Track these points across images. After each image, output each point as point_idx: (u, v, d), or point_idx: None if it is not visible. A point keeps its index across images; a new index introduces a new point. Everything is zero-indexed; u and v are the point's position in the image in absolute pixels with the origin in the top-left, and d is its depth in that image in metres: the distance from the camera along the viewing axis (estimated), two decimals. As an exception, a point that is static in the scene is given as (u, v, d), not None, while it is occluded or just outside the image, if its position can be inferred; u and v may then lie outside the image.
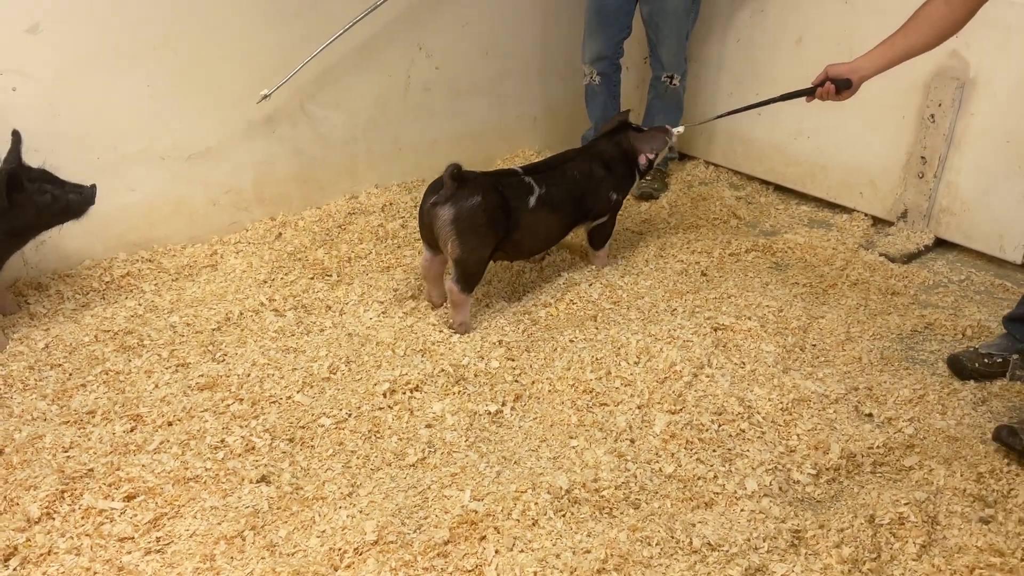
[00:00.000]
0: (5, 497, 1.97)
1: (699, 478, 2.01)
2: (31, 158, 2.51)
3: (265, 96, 3.03)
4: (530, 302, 2.80)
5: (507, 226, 2.59)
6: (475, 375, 2.42)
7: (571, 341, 2.56)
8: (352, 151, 3.48)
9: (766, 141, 3.65)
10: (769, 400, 2.24)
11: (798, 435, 2.15)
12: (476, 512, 1.92)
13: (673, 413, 2.22)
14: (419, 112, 3.61)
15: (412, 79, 3.54)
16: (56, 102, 2.73)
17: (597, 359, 2.46)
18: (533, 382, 2.39)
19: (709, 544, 1.81)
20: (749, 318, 2.62)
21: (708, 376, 2.34)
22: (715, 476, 2.02)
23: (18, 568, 1.80)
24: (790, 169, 3.61)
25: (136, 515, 1.93)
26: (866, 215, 3.35)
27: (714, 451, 2.10)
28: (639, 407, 2.25)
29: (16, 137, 2.46)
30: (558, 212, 2.71)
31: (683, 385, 2.31)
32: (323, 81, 3.29)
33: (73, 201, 2.52)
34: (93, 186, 2.54)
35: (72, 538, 1.87)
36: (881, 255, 3.07)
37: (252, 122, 3.16)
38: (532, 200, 2.63)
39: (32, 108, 2.69)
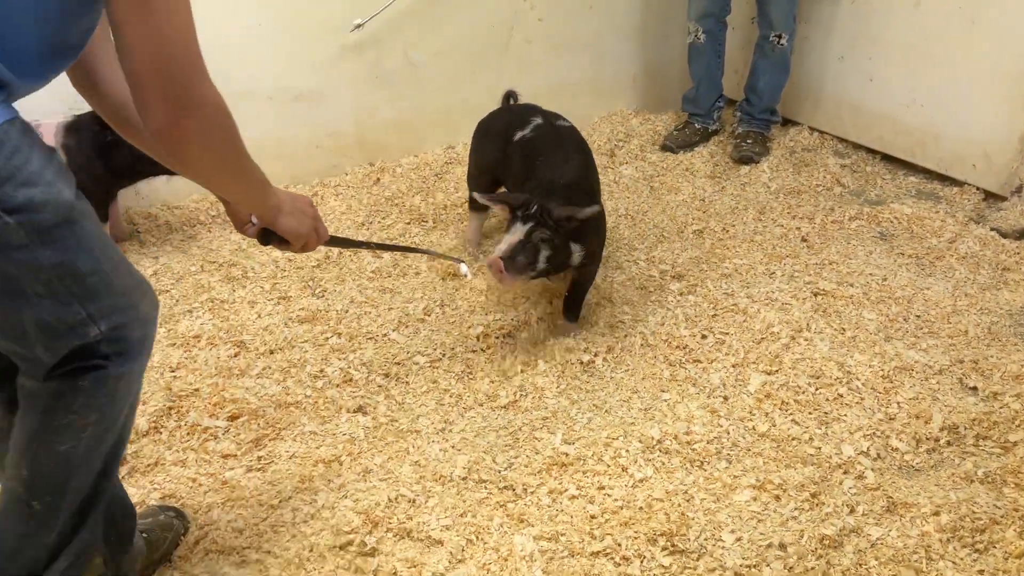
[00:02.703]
0: (117, 410, 2.06)
1: (794, 439, 1.99)
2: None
3: (358, 25, 3.06)
4: (623, 258, 2.78)
5: None
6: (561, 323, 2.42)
7: (666, 297, 2.54)
8: (451, 101, 3.50)
9: (876, 108, 3.53)
10: (870, 367, 2.19)
11: (898, 403, 2.10)
12: (567, 455, 1.94)
13: (769, 374, 2.18)
14: (519, 64, 3.60)
15: (515, 30, 3.53)
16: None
17: (691, 317, 2.44)
18: (626, 335, 2.39)
19: (805, 501, 1.79)
20: (851, 285, 2.56)
21: (806, 340, 2.30)
22: (810, 438, 1.99)
23: (126, 477, 1.89)
24: (899, 138, 3.49)
25: (239, 434, 2.00)
26: (978, 188, 3.22)
27: (810, 413, 2.06)
28: (734, 366, 2.22)
29: None
30: None
31: (780, 347, 2.27)
32: (427, 29, 3.30)
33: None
34: None
35: (178, 451, 1.95)
36: (992, 230, 2.95)
37: (357, 67, 3.20)
38: None
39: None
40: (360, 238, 2.84)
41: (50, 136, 2.46)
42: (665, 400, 2.11)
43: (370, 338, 2.36)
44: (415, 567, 1.67)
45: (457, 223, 3.00)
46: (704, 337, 2.34)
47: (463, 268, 2.23)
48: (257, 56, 2.99)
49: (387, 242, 2.64)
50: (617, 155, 3.54)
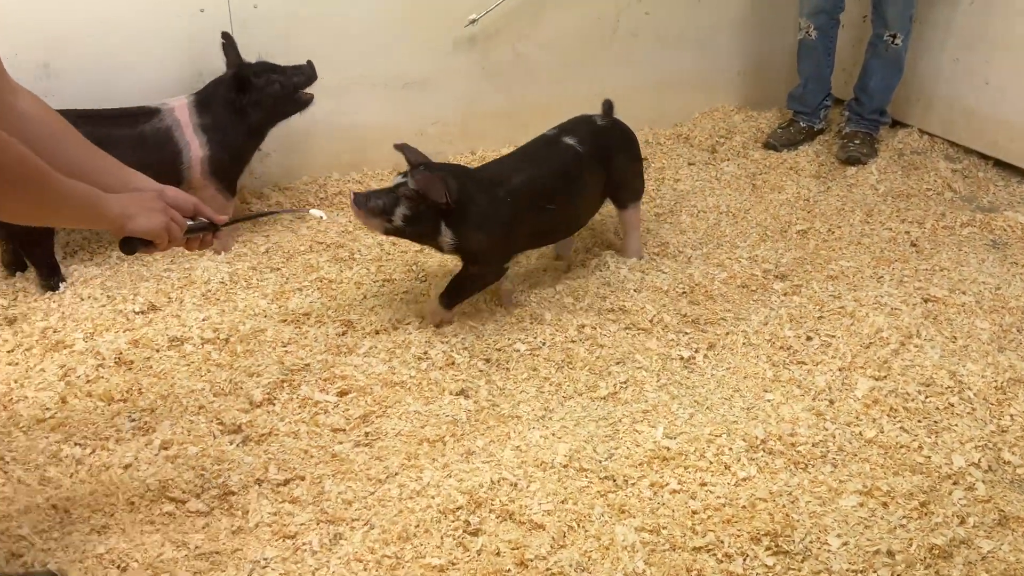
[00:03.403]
0: (231, 380, 2.15)
1: (902, 446, 1.95)
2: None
3: (473, 20, 3.10)
4: (724, 256, 2.76)
5: None
6: (667, 320, 2.42)
7: (769, 297, 2.52)
8: (554, 92, 3.51)
9: (991, 113, 3.42)
10: (982, 377, 2.13)
11: (1011, 415, 2.04)
12: (668, 449, 1.94)
13: (877, 379, 2.15)
14: (624, 58, 3.59)
15: (621, 23, 3.52)
16: (292, 23, 2.89)
17: (796, 318, 2.41)
18: (727, 333, 2.37)
19: (913, 510, 1.76)
20: (963, 293, 2.49)
21: (916, 346, 2.25)
22: (920, 446, 1.95)
23: (240, 444, 1.96)
24: (1015, 144, 3.36)
25: (348, 410, 2.06)
26: (1098, 200, 3.10)
27: (919, 422, 2.02)
28: (840, 369, 2.19)
29: (227, 39, 2.60)
30: None
31: (889, 352, 2.23)
32: (535, 20, 3.32)
33: (299, 82, 2.63)
34: (309, 62, 2.65)
35: (290, 423, 2.02)
36: (1114, 243, 2.84)
37: (466, 58, 3.25)
38: None
39: (270, 26, 2.86)
40: None
41: (184, 114, 2.54)
42: (769, 400, 2.09)
43: (471, 324, 2.40)
44: (518, 549, 1.70)
45: (558, 214, 3.02)
46: (809, 339, 2.31)
47: (315, 213, 2.19)
48: (374, 43, 3.06)
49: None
50: (719, 151, 3.51)
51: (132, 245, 1.58)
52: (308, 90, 2.68)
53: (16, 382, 2.11)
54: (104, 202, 1.50)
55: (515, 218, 2.32)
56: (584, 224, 2.65)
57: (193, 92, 2.64)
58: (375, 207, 2.17)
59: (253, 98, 2.60)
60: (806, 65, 3.51)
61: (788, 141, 3.52)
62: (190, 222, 1.65)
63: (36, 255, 2.47)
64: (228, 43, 2.61)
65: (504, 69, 3.35)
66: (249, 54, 2.69)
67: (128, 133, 2.49)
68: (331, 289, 2.55)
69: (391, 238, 2.56)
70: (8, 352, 2.22)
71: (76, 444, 1.92)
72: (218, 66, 2.70)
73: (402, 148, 2.30)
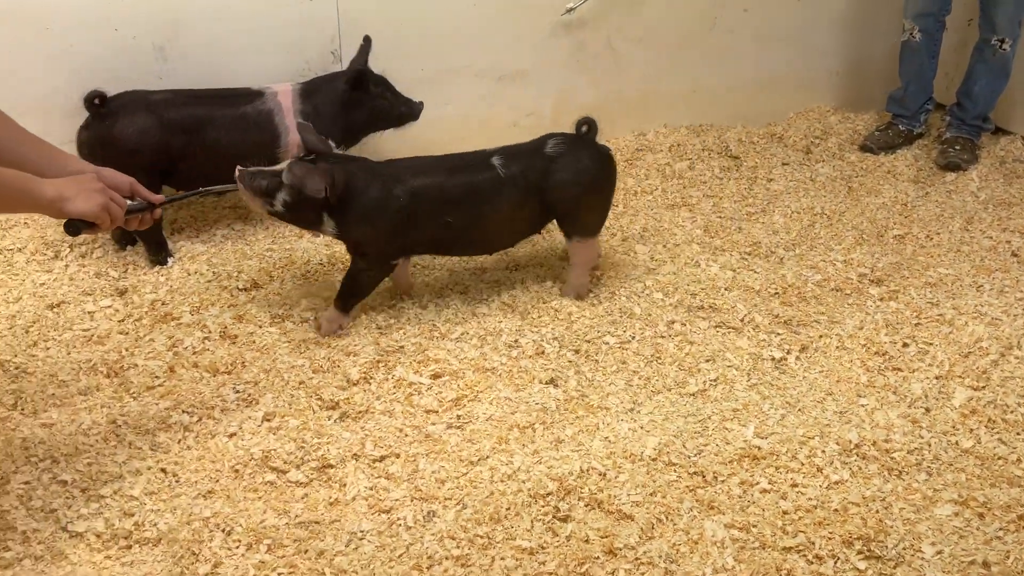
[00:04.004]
0: (328, 359, 2.21)
1: (1000, 458, 1.91)
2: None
3: (570, 9, 3.11)
4: (819, 257, 2.72)
5: None
6: (758, 320, 2.40)
7: (864, 302, 2.48)
8: (647, 88, 3.51)
9: (1102, 122, 3.30)
10: (1087, 393, 2.07)
11: (1118, 434, 1.98)
12: (759, 448, 1.94)
13: (976, 389, 2.10)
14: (719, 55, 3.56)
15: (718, 20, 3.50)
16: (395, 11, 2.95)
17: (892, 323, 2.37)
18: (820, 336, 2.35)
19: (1011, 523, 1.73)
20: (1069, 306, 2.42)
21: (1018, 358, 2.20)
22: (1018, 459, 1.91)
23: (338, 420, 2.03)
24: None
25: (441, 392, 2.11)
26: None
27: (1018, 434, 1.98)
28: (937, 377, 2.15)
29: (366, 42, 2.68)
30: None
31: (988, 363, 2.18)
32: (632, 13, 3.32)
33: (403, 113, 2.71)
34: (420, 103, 2.72)
35: (386, 402, 2.08)
36: None
37: (561, 51, 3.27)
38: None
39: (374, 15, 2.93)
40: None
41: (287, 99, 2.62)
42: (863, 406, 2.07)
43: (559, 315, 2.42)
44: (607, 537, 1.72)
45: (647, 210, 3.02)
46: (906, 345, 2.28)
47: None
48: (471, 34, 3.11)
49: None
50: (813, 152, 3.46)
51: (75, 227, 1.64)
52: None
53: (127, 350, 2.21)
54: (38, 187, 1.56)
55: (404, 219, 2.24)
56: (507, 245, 2.51)
57: (300, 81, 2.72)
58: (258, 187, 2.13)
59: (362, 100, 2.65)
60: (908, 68, 3.43)
61: (886, 144, 3.45)
62: (129, 202, 1.73)
63: (146, 231, 2.57)
64: (365, 46, 2.67)
65: (598, 63, 3.36)
66: (354, 42, 2.75)
67: (231, 113, 2.57)
68: (424, 275, 2.60)
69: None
70: (119, 322, 2.33)
71: (184, 412, 2.00)
72: (324, 55, 2.78)
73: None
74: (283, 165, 2.17)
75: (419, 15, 3.01)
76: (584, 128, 2.44)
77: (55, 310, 2.35)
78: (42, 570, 1.63)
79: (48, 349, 2.21)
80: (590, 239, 2.48)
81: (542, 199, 2.37)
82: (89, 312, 2.35)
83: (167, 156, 2.49)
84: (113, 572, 1.63)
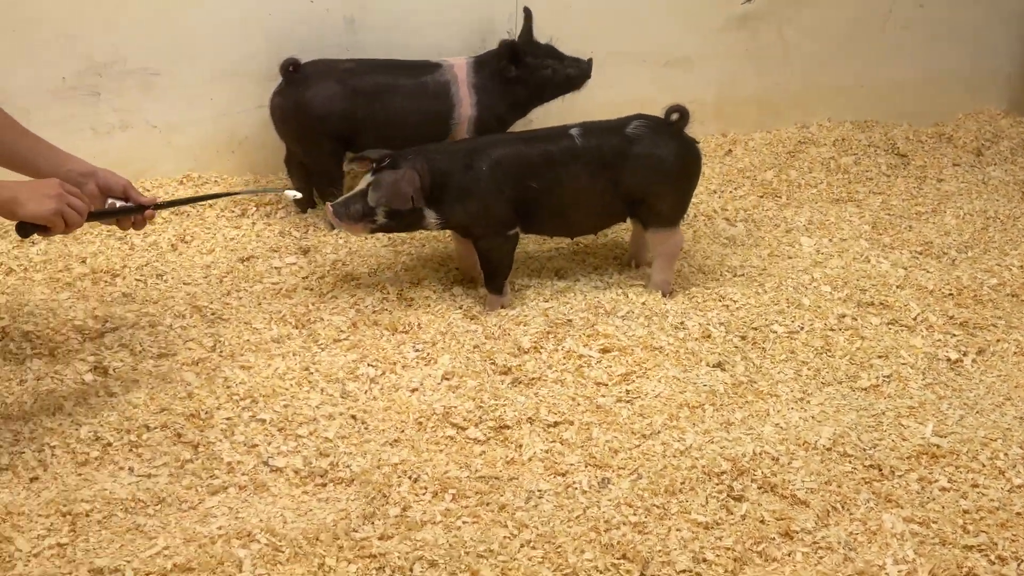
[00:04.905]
0: (499, 327, 2.28)
1: None
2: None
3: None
4: (993, 262, 2.64)
5: None
6: (932, 319, 2.35)
7: (1045, 308, 2.41)
8: (813, 80, 3.46)
9: None
10: None
11: None
12: (938, 447, 1.91)
13: None
14: (890, 50, 3.48)
15: (893, 14, 3.42)
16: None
17: (1077, 332, 2.29)
18: (998, 340, 2.29)
19: None
20: None
21: None
22: None
23: (511, 385, 2.09)
24: None
25: (610, 367, 2.15)
26: None
27: None
28: None
29: (527, 14, 2.70)
30: None
31: None
32: (804, 5, 3.28)
33: (572, 75, 2.69)
34: (590, 60, 2.70)
35: (557, 371, 2.13)
36: None
37: (731, 39, 3.26)
38: None
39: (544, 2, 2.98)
40: (715, 205, 2.92)
41: (463, 72, 2.69)
42: (1047, 412, 2.01)
43: (724, 301, 2.43)
44: (782, 520, 1.73)
45: (811, 203, 2.99)
46: (1094, 355, 2.20)
47: (290, 194, 2.25)
48: (640, 18, 3.13)
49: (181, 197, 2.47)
50: (984, 155, 3.35)
51: (26, 229, 1.69)
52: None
53: (312, 304, 2.34)
54: None
55: (495, 187, 2.27)
56: (590, 226, 2.50)
57: (474, 55, 2.79)
58: (355, 213, 2.19)
59: (521, 75, 2.68)
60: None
61: (1065, 150, 3.31)
62: (120, 203, 1.80)
63: (331, 195, 2.70)
64: (527, 19, 2.69)
65: (766, 53, 3.33)
66: (519, 16, 2.81)
67: (411, 82, 2.66)
68: (585, 253, 2.65)
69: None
70: (303, 278, 2.46)
71: (369, 365, 2.11)
72: (500, 34, 2.85)
73: (356, 159, 2.29)
74: (367, 180, 2.21)
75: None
76: (675, 116, 2.38)
77: (245, 263, 2.51)
78: (246, 499, 1.75)
79: (240, 299, 2.36)
80: (667, 229, 2.41)
81: (615, 179, 2.35)
82: (276, 267, 2.49)
83: (352, 123, 2.60)
84: (311, 506, 1.74)
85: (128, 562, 1.58)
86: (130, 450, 1.84)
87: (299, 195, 2.32)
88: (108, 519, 1.68)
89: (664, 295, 2.43)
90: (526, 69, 2.66)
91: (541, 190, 2.32)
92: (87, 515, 1.68)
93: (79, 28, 2.63)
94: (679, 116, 2.37)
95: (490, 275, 2.38)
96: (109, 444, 1.85)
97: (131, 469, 1.80)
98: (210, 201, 2.71)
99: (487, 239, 2.34)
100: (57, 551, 1.61)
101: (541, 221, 2.41)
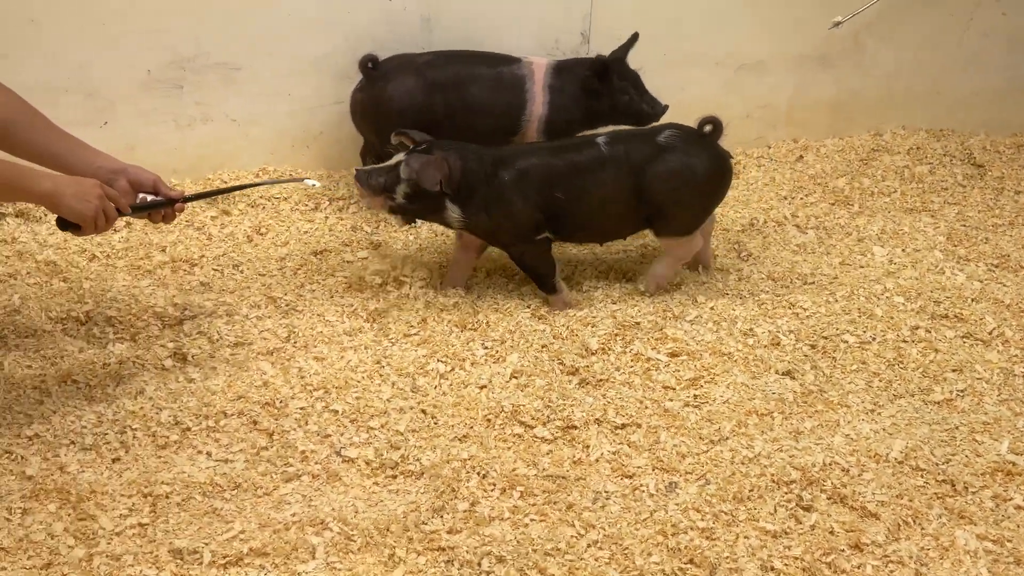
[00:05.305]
0: (567, 327, 2.29)
1: None
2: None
3: (838, 23, 3.04)
4: (1074, 278, 2.58)
5: None
6: (1008, 334, 2.31)
7: None
8: (888, 88, 3.40)
9: None
10: None
11: None
12: (1014, 464, 1.88)
13: None
14: (969, 59, 3.41)
15: (974, 22, 3.34)
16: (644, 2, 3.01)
17: None
18: (1078, 357, 2.23)
19: None
20: None
21: None
22: None
23: (578, 385, 2.10)
24: None
25: (678, 371, 2.15)
26: None
27: None
28: None
29: (634, 36, 2.66)
30: None
31: None
32: (884, 12, 3.22)
33: (644, 111, 2.66)
34: (665, 107, 2.67)
35: (625, 374, 2.14)
36: None
37: (804, 43, 3.23)
38: None
39: (618, 4, 3.00)
40: (785, 212, 2.89)
41: (540, 71, 2.70)
42: None
43: (794, 308, 2.41)
44: (852, 531, 1.71)
45: (884, 211, 2.95)
46: None
47: (310, 182, 2.25)
48: (719, 22, 3.12)
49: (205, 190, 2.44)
50: (1066, 168, 3.26)
51: (64, 224, 1.73)
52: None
53: (383, 299, 2.37)
54: (32, 180, 1.65)
55: (520, 198, 2.29)
56: (616, 232, 2.48)
57: (556, 59, 2.78)
58: (376, 185, 2.20)
59: (602, 91, 2.66)
60: None
61: None
62: (150, 198, 1.84)
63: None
64: (631, 40, 2.66)
65: (841, 58, 3.29)
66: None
67: (488, 72, 2.68)
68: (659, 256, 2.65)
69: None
70: (374, 272, 2.50)
71: (439, 361, 2.14)
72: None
73: (402, 133, 2.31)
74: (398, 158, 2.24)
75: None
76: (708, 127, 2.36)
77: (318, 256, 2.56)
78: (319, 487, 1.79)
79: (314, 291, 2.40)
80: (682, 237, 2.40)
81: (639, 185, 2.33)
82: (348, 261, 2.53)
83: (432, 115, 2.62)
84: (381, 497, 1.77)
85: (206, 544, 1.63)
86: (208, 435, 1.90)
87: (317, 184, 2.33)
88: (186, 501, 1.74)
89: (659, 290, 2.41)
90: (608, 88, 2.65)
91: (568, 199, 2.33)
92: (167, 497, 1.74)
93: (165, 23, 2.70)
94: (712, 127, 2.36)
95: (535, 279, 2.40)
96: (188, 429, 1.91)
97: (209, 454, 1.85)
98: (283, 194, 2.77)
99: (516, 246, 2.38)
100: (138, 530, 1.67)
101: (570, 229, 2.42)
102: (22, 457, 1.81)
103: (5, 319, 2.20)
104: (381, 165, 2.27)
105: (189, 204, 2.09)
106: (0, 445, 1.83)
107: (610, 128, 2.58)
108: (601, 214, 2.40)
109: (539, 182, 2.32)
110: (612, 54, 2.67)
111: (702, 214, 2.44)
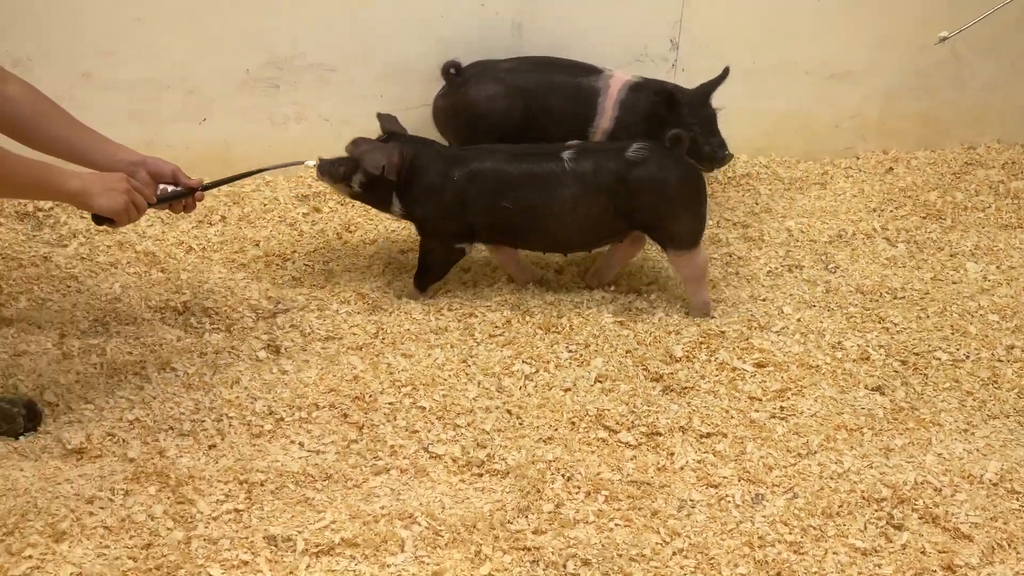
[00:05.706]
0: (650, 333, 2.29)
1: None
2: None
3: (943, 39, 2.97)
4: None
5: None
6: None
7: None
8: (985, 100, 3.32)
9: None
10: None
11: None
12: (1116, 492, 1.81)
13: None
14: (1071, 71, 3.30)
15: (1078, 33, 3.24)
16: (737, 3, 2.98)
17: None
18: None
19: None
20: None
21: None
22: None
23: (663, 392, 2.10)
24: None
25: (764, 382, 2.13)
26: None
27: None
28: None
29: (725, 71, 2.56)
30: None
31: None
32: (983, 24, 3.13)
33: (706, 152, 2.56)
34: (730, 155, 2.59)
35: (710, 383, 2.13)
36: None
37: (898, 53, 3.17)
38: None
39: (716, 4, 2.97)
40: (875, 224, 2.84)
41: (616, 86, 2.65)
42: None
43: (885, 323, 2.37)
44: (945, 552, 1.68)
45: (978, 227, 2.87)
46: None
47: (309, 163, 2.28)
48: (811, 30, 3.08)
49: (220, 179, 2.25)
50: None
51: (99, 219, 1.76)
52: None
53: (469, 301, 2.40)
54: (62, 179, 1.67)
55: (461, 201, 2.32)
56: (578, 246, 2.43)
57: (639, 76, 2.74)
58: (336, 173, 2.29)
59: (670, 119, 2.54)
60: None
61: None
62: (171, 188, 1.88)
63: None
64: (722, 75, 2.57)
65: (936, 69, 3.22)
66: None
67: (567, 81, 2.68)
68: (738, 265, 2.63)
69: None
70: (459, 272, 2.53)
71: (524, 362, 2.16)
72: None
73: (382, 119, 2.40)
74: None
75: (761, 6, 3.01)
76: (673, 141, 2.29)
77: (405, 255, 2.60)
78: (407, 482, 1.82)
79: (401, 290, 2.45)
80: (686, 252, 2.34)
81: (616, 203, 2.30)
82: (434, 261, 2.57)
83: (513, 121, 2.64)
84: (468, 494, 1.80)
85: (299, 532, 1.67)
86: (300, 426, 1.95)
87: (312, 163, 2.31)
88: (280, 490, 1.78)
89: (705, 315, 2.37)
90: (676, 118, 2.54)
91: (518, 209, 2.32)
92: (261, 484, 1.79)
93: (264, 23, 2.78)
94: (677, 141, 2.30)
95: (420, 273, 2.42)
96: (281, 419, 1.96)
97: (301, 444, 1.90)
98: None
99: (431, 241, 2.40)
100: (234, 516, 1.72)
101: (524, 237, 2.41)
102: (124, 440, 1.88)
103: (107, 306, 2.29)
104: (343, 156, 2.35)
105: (208, 192, 2.09)
106: (103, 427, 1.91)
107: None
108: (560, 228, 2.36)
109: (489, 189, 2.33)
110: (697, 88, 2.59)
111: (694, 224, 2.35)
